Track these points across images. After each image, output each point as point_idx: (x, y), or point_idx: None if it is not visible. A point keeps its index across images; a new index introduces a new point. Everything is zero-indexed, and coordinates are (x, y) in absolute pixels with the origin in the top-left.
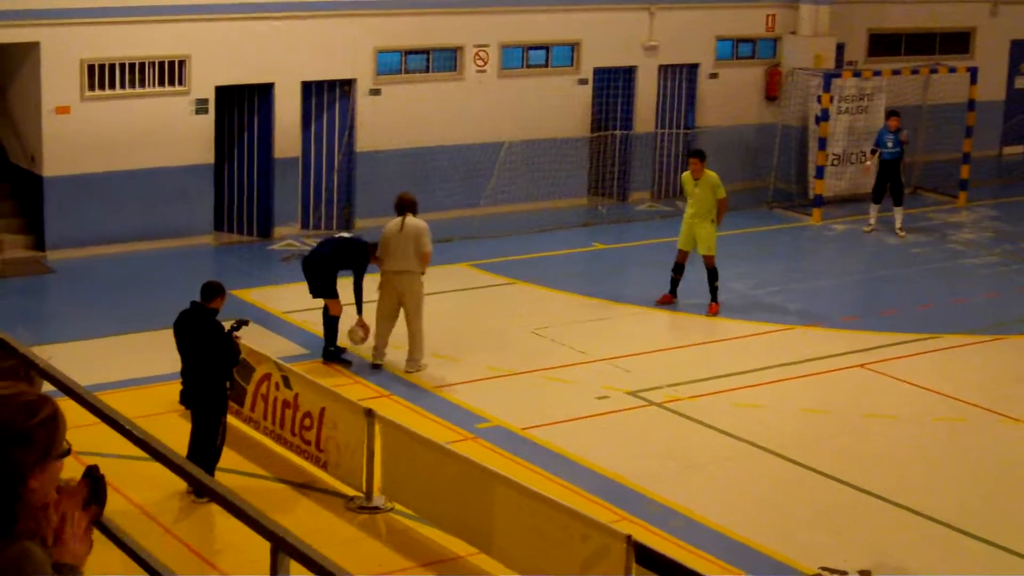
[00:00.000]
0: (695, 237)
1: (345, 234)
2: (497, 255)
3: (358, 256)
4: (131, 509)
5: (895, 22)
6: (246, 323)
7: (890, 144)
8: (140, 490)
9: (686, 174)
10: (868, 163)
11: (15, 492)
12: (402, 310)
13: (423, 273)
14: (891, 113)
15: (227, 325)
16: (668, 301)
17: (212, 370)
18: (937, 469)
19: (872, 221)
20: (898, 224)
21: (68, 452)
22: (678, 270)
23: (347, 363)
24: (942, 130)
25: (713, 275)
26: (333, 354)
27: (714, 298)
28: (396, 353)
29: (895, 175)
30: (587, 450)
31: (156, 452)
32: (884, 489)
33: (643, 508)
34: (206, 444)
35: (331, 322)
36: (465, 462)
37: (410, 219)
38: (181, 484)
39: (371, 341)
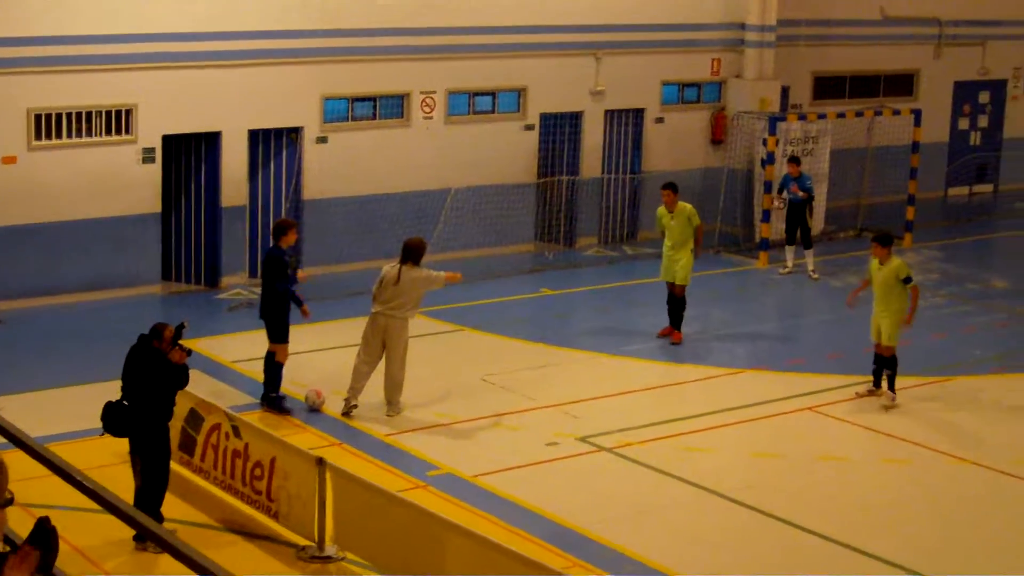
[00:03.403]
0: (673, 268)
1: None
2: (445, 302)
3: (269, 266)
4: (77, 557)
5: (839, 65)
6: (184, 327)
7: (798, 191)
8: (86, 538)
9: (661, 209)
10: (777, 204)
11: None
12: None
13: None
14: (791, 159)
15: (169, 333)
16: (669, 333)
17: (157, 404)
18: (889, 511)
19: (789, 264)
20: (810, 268)
21: (11, 502)
22: (672, 301)
23: (287, 411)
24: (887, 172)
25: (681, 304)
26: (274, 401)
27: (678, 327)
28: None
29: (802, 219)
30: (538, 496)
31: (107, 502)
32: (836, 532)
33: (595, 554)
34: (154, 489)
35: (274, 367)
36: (416, 510)
37: (407, 272)
38: (127, 532)
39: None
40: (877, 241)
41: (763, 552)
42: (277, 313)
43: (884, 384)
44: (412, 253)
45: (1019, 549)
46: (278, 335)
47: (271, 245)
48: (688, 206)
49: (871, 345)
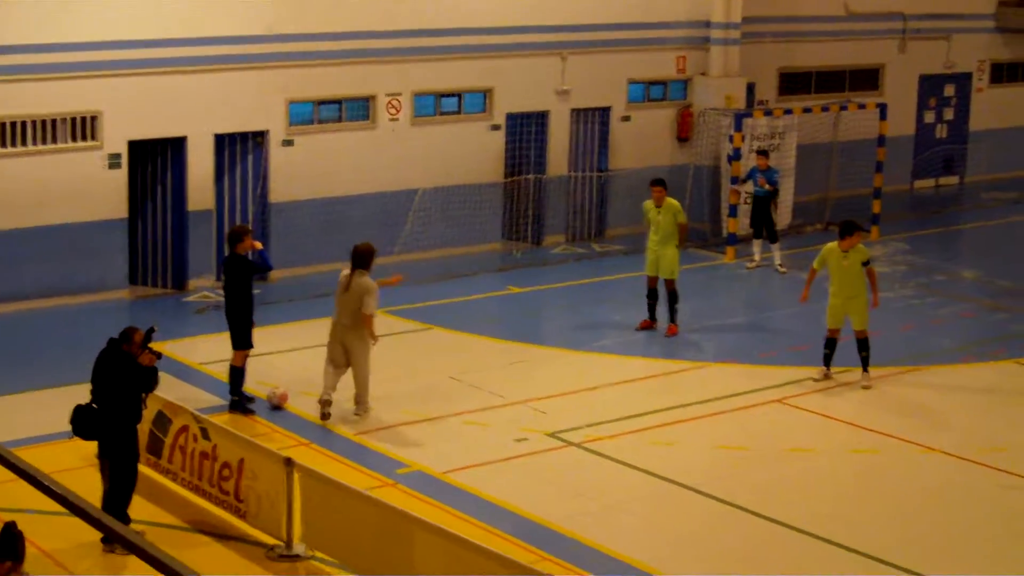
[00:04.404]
0: (659, 262)
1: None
2: (413, 301)
3: (230, 266)
4: (45, 560)
5: (805, 61)
6: (154, 330)
7: (764, 183)
8: (54, 541)
9: (648, 203)
10: (743, 196)
11: None
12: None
13: (373, 338)
14: (760, 152)
15: (139, 336)
16: (648, 327)
17: (127, 407)
18: (857, 501)
19: (756, 258)
20: (777, 261)
21: None
22: (652, 295)
23: (250, 412)
24: (853, 166)
25: (674, 298)
26: (235, 403)
27: (672, 319)
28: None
29: (766, 214)
30: (507, 492)
31: (74, 506)
32: (805, 522)
33: (565, 549)
34: (122, 491)
35: (232, 372)
36: (385, 508)
37: (356, 280)
38: (95, 534)
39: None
40: (845, 229)
41: (732, 544)
42: (238, 319)
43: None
44: (360, 259)
45: (987, 538)
46: (238, 341)
47: (227, 253)
48: (675, 202)
49: (841, 337)
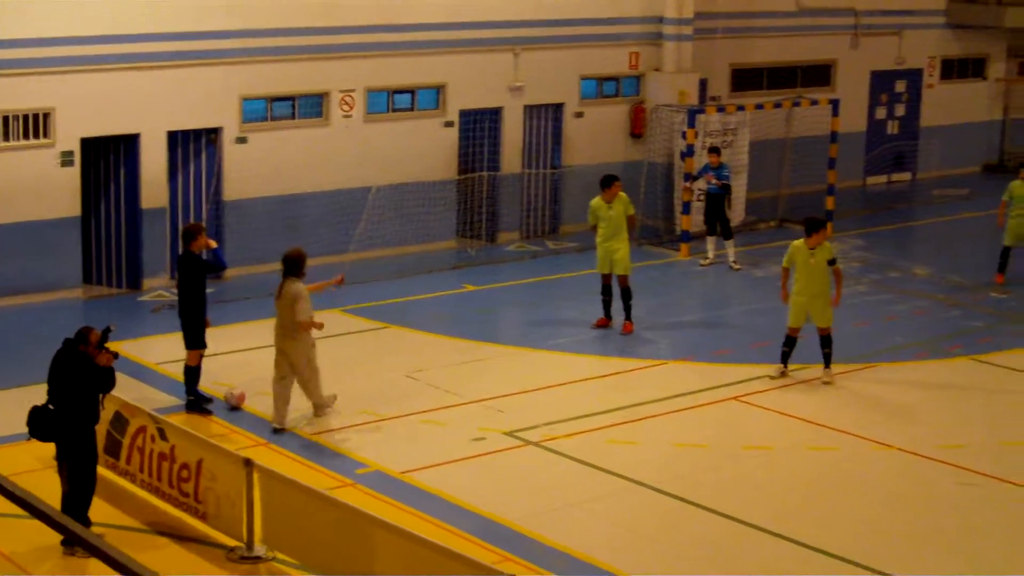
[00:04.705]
0: (612, 258)
1: None
2: (368, 300)
3: (183, 265)
4: (4, 563)
5: (757, 57)
6: (110, 330)
7: (712, 180)
8: (12, 544)
9: (596, 200)
10: (691, 185)
11: None
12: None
13: (317, 326)
14: (711, 149)
15: (95, 337)
16: (604, 324)
17: (84, 408)
18: (815, 498)
19: (710, 255)
20: (731, 258)
21: None
22: (606, 292)
23: (207, 412)
24: (806, 162)
25: (628, 295)
26: (192, 403)
27: (628, 317)
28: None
29: (720, 211)
30: (467, 492)
31: (36, 509)
32: (764, 520)
33: (525, 548)
34: (82, 493)
35: (187, 371)
36: (345, 508)
37: (288, 286)
38: (54, 537)
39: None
40: (811, 227)
41: (691, 541)
42: (191, 318)
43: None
44: (291, 265)
45: (945, 534)
46: (191, 340)
47: (181, 251)
48: (624, 195)
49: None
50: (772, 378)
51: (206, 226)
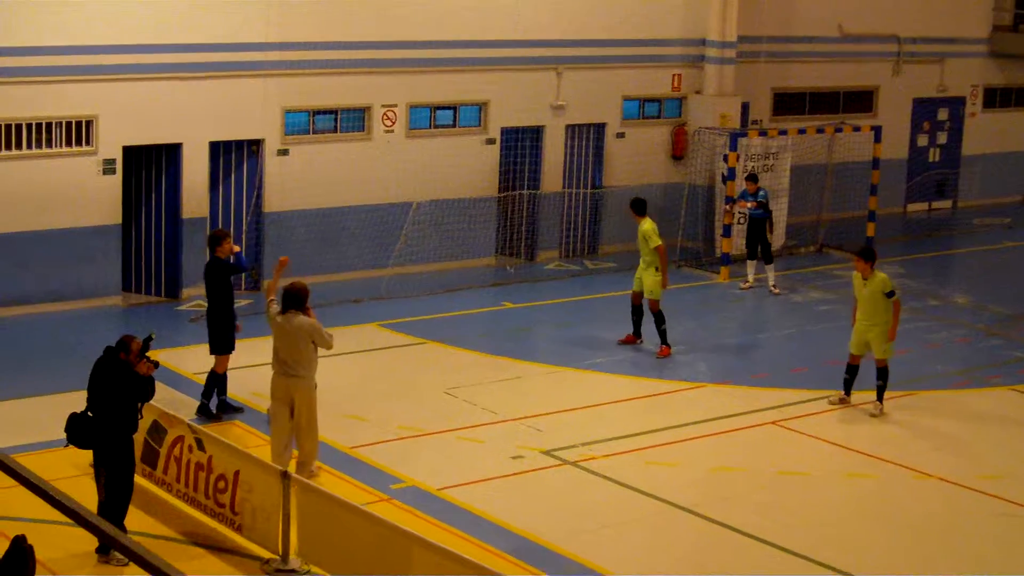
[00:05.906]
0: (642, 280)
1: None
2: (406, 315)
3: (209, 270)
4: (41, 570)
5: (799, 81)
6: (151, 339)
7: (752, 205)
8: (49, 550)
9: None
10: (736, 215)
11: None
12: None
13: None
14: (749, 177)
15: (136, 345)
16: (630, 341)
17: (123, 416)
18: (853, 525)
19: (750, 278)
20: (771, 282)
21: None
22: (636, 312)
23: (216, 418)
24: (847, 188)
25: (659, 319)
26: (204, 407)
27: (663, 341)
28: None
29: (762, 235)
30: (504, 510)
31: (76, 514)
32: (801, 546)
33: (561, 568)
34: (118, 501)
35: (212, 377)
36: (382, 524)
37: (296, 320)
38: (89, 544)
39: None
40: (860, 256)
41: (727, 566)
42: (219, 324)
43: (854, 394)
44: (295, 300)
45: (982, 564)
46: (216, 345)
47: (209, 258)
48: (646, 226)
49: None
50: (831, 402)
51: (231, 232)
